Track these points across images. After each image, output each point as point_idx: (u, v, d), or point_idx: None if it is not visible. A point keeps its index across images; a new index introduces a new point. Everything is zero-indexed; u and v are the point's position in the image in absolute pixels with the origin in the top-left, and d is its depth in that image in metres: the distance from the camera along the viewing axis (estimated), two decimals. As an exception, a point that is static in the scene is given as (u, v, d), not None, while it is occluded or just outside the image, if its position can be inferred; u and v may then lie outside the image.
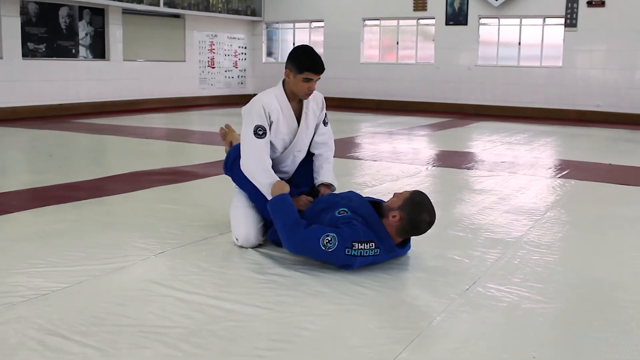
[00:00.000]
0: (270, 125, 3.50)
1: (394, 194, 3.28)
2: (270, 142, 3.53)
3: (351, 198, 3.32)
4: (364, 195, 3.45)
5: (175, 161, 6.71)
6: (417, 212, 3.14)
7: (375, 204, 3.30)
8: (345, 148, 7.59)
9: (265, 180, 3.40)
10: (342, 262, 3.06)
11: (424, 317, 2.63)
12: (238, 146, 3.61)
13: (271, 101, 3.51)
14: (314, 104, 3.68)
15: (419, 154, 7.56)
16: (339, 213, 3.17)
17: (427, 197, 3.25)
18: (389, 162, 6.83)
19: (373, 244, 3.06)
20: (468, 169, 6.47)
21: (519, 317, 2.66)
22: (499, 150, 8.00)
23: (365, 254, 3.05)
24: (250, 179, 3.47)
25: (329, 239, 3.01)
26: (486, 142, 8.82)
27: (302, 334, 2.45)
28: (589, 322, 2.63)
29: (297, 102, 3.59)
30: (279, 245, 3.39)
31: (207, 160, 6.57)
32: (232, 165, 3.64)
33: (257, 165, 3.43)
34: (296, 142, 3.63)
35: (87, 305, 2.68)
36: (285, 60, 3.50)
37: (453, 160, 7.03)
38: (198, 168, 6.17)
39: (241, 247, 3.51)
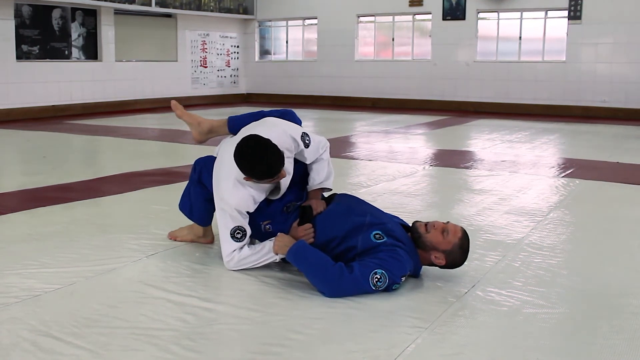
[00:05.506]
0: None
1: (436, 225, 2.97)
2: None
3: (378, 216, 3.06)
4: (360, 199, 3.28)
5: (168, 162, 6.66)
6: (461, 258, 2.99)
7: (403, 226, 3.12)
8: (339, 147, 7.52)
9: (265, 258, 3.10)
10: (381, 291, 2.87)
11: (421, 322, 2.56)
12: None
13: (242, 197, 3.03)
14: (287, 153, 3.07)
15: (416, 153, 7.49)
16: (374, 237, 2.93)
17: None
18: (384, 161, 6.76)
19: (409, 272, 2.94)
20: (467, 168, 6.37)
21: (520, 323, 2.58)
22: (499, 148, 7.88)
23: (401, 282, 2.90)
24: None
25: (378, 277, 2.79)
26: (486, 141, 8.70)
27: (296, 338, 2.40)
28: (594, 328, 2.53)
29: None
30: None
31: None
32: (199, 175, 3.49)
33: (248, 263, 3.12)
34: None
35: (80, 306, 2.69)
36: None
37: (451, 159, 6.95)
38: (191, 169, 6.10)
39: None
